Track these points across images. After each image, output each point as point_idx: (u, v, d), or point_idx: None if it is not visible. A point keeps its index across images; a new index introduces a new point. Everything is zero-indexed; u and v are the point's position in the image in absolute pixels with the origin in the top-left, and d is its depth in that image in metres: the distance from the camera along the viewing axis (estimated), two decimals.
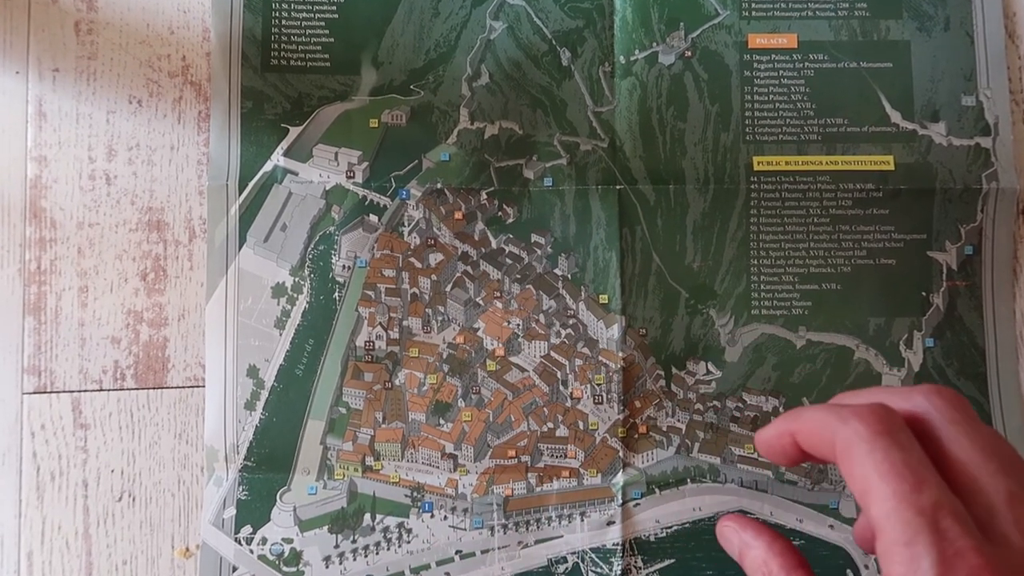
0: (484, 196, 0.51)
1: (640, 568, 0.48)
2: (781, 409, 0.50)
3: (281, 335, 0.49)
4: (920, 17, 0.53)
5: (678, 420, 0.50)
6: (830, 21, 0.53)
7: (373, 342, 0.49)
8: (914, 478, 0.22)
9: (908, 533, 0.21)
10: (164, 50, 0.51)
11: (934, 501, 0.21)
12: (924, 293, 0.51)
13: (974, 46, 0.53)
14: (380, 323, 0.49)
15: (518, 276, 0.50)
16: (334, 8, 0.51)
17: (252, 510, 0.47)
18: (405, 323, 0.49)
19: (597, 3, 0.52)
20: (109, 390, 0.49)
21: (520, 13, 0.52)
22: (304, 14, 0.51)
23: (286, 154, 0.50)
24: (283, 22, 0.51)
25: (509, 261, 0.50)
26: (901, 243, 0.51)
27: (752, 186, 0.51)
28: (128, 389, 0.49)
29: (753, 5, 0.53)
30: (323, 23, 0.51)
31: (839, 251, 0.51)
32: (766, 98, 0.52)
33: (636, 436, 0.49)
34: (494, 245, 0.50)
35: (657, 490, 0.49)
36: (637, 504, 0.49)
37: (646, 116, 0.52)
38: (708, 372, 0.50)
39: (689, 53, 0.52)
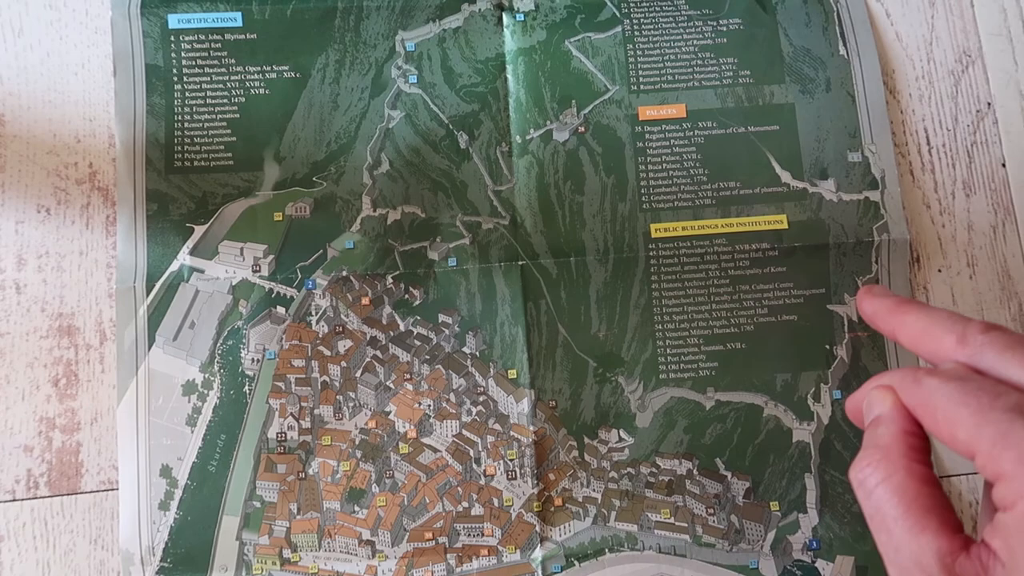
0: (390, 280, 0.52)
1: None
2: (695, 472, 0.50)
3: (193, 432, 0.49)
4: (802, 80, 0.55)
5: (593, 490, 0.50)
6: (716, 90, 0.55)
7: (285, 433, 0.49)
8: (989, 394, 0.24)
9: (997, 433, 0.23)
10: (71, 158, 0.53)
11: (1014, 403, 0.23)
12: (828, 346, 0.52)
13: (856, 104, 0.55)
14: (291, 413, 0.50)
15: (427, 357, 0.51)
16: (235, 108, 0.53)
17: None
18: (317, 411, 0.50)
19: (492, 87, 0.54)
20: (23, 500, 0.48)
21: (417, 101, 0.54)
22: (206, 116, 0.53)
23: (192, 252, 0.51)
24: (186, 125, 0.53)
25: (418, 343, 0.51)
26: (801, 299, 0.53)
27: (651, 253, 0.53)
28: (42, 497, 0.49)
29: (641, 79, 0.55)
30: (225, 123, 0.53)
31: (741, 311, 0.52)
32: (660, 167, 0.54)
33: (552, 509, 0.50)
34: (402, 328, 0.51)
35: (576, 562, 0.49)
36: None
37: (544, 192, 0.53)
38: (620, 439, 0.51)
39: (583, 128, 0.54)
